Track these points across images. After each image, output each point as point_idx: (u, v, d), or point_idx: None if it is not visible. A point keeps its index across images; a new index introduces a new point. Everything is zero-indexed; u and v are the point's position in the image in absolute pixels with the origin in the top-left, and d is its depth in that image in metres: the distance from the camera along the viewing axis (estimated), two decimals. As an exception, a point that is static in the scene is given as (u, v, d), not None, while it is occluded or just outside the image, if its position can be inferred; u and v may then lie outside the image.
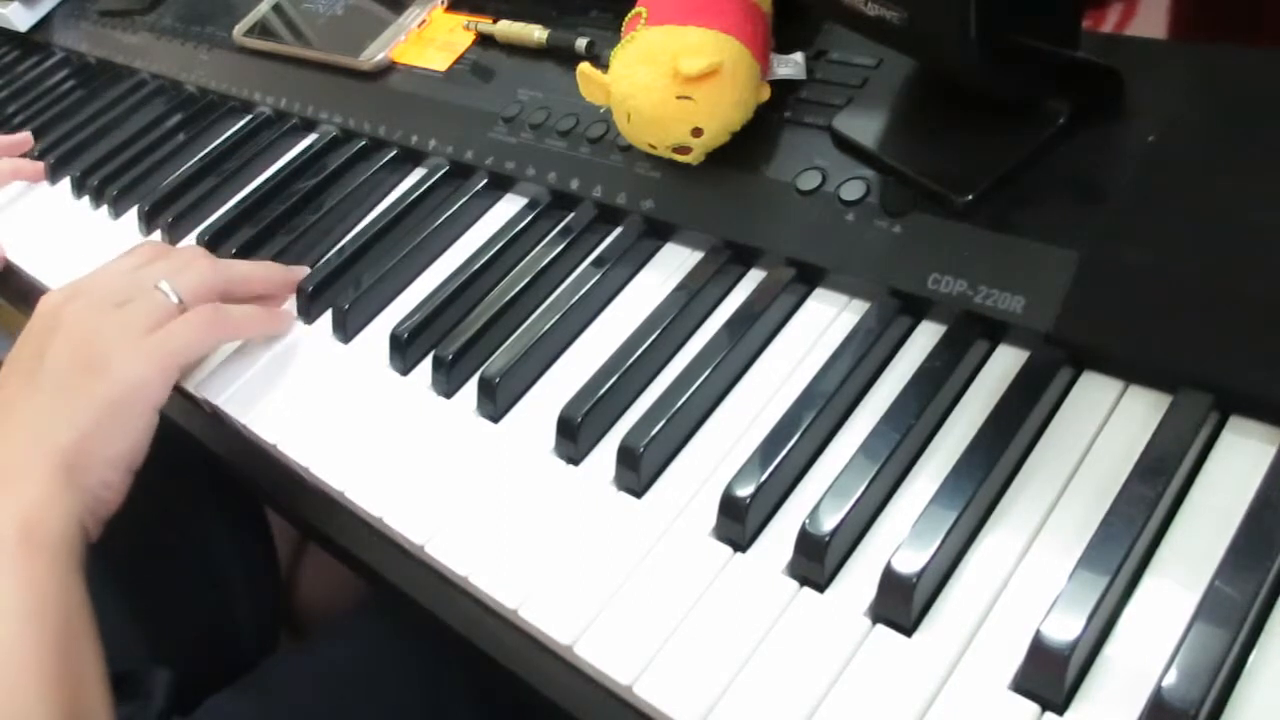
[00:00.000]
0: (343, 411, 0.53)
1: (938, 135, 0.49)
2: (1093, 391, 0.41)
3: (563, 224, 0.59)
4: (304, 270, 0.63)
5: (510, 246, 0.58)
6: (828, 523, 0.38)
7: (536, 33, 0.66)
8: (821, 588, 0.39)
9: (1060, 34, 0.45)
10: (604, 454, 0.46)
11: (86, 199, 0.82)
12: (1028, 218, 0.44)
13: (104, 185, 0.80)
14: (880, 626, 0.37)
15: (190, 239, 0.71)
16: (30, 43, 1.10)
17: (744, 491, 0.41)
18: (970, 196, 0.45)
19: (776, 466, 0.41)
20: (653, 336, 0.49)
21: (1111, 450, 0.39)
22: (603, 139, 0.59)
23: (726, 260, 0.52)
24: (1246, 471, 0.37)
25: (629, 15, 0.54)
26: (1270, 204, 0.40)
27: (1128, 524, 0.35)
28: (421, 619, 0.46)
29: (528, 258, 0.58)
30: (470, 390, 0.52)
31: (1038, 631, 0.33)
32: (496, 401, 0.50)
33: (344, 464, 0.50)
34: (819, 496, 0.40)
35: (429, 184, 0.65)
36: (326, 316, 0.60)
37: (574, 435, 0.46)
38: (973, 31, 0.41)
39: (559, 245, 0.57)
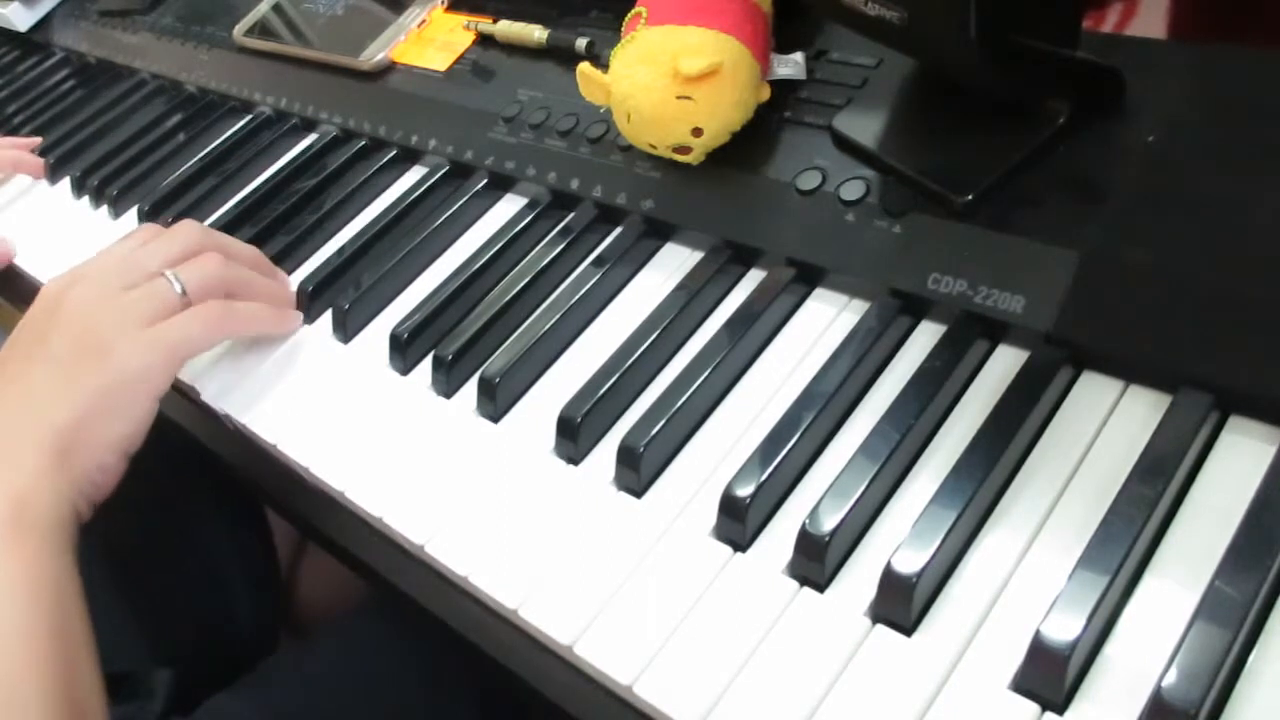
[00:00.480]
0: (342, 411, 0.53)
1: (938, 135, 0.49)
2: (1093, 391, 0.41)
3: (563, 224, 0.59)
4: (299, 318, 0.60)
5: (510, 246, 0.58)
6: (828, 523, 0.38)
7: (536, 33, 0.66)
8: (821, 588, 0.39)
9: (1060, 34, 0.45)
10: (604, 454, 0.46)
11: (86, 199, 0.82)
12: (1028, 218, 0.44)
13: (104, 185, 0.80)
14: (880, 626, 0.37)
15: (190, 239, 0.71)
16: (30, 43, 1.10)
17: (744, 491, 0.41)
18: (970, 196, 0.45)
19: (776, 466, 0.41)
20: (653, 336, 0.49)
21: (1111, 450, 0.39)
22: (603, 139, 0.59)
23: (726, 260, 0.52)
24: (1246, 471, 0.37)
25: (629, 15, 0.54)
26: (1270, 204, 0.40)
27: (1128, 524, 0.35)
28: (421, 619, 0.46)
29: (528, 258, 0.58)
30: (470, 390, 0.52)
31: (1038, 631, 0.33)
32: (496, 401, 0.50)
33: (344, 464, 0.50)
34: (819, 496, 0.40)
35: (429, 184, 0.65)
36: (326, 316, 0.60)
37: (574, 435, 0.46)
38: (973, 31, 0.41)
39: (559, 245, 0.57)
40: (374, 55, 0.73)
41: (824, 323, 0.48)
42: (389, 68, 0.73)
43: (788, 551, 0.40)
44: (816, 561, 0.38)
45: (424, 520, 0.46)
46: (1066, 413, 0.41)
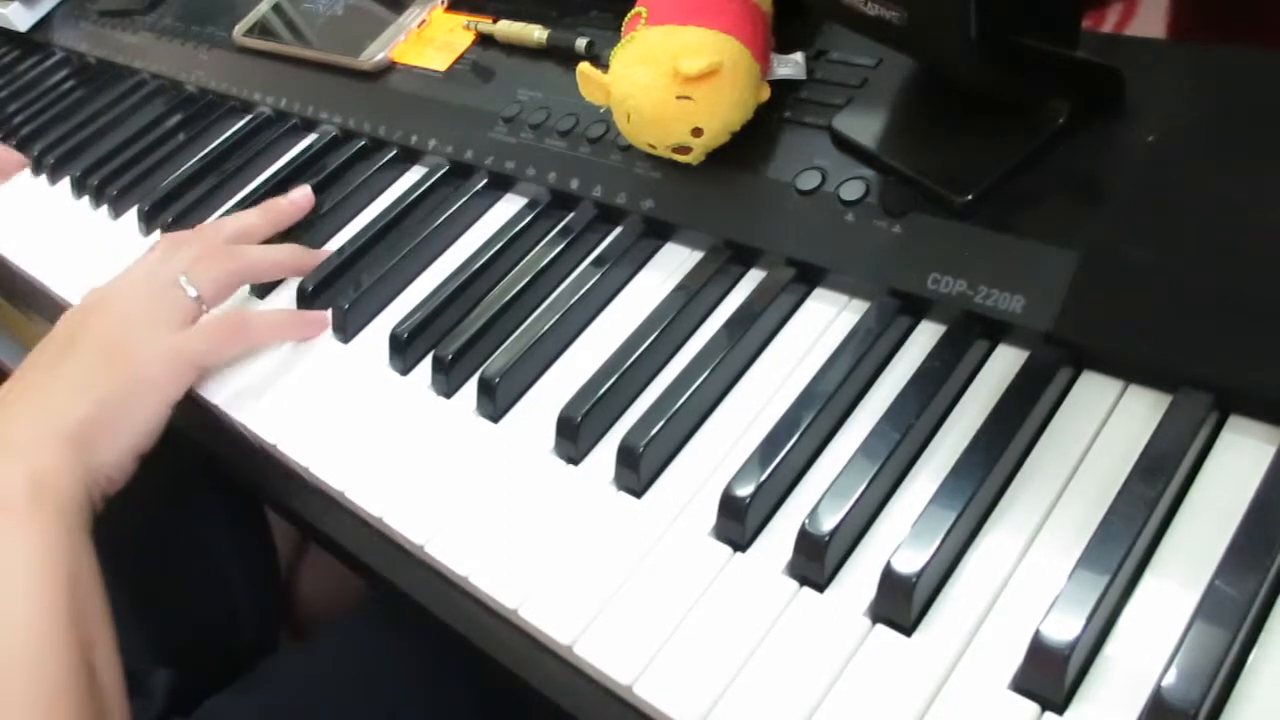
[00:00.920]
0: (342, 411, 0.53)
1: (937, 135, 0.49)
2: (1093, 391, 0.41)
3: (563, 224, 0.59)
4: (325, 252, 0.64)
5: (510, 246, 0.58)
6: (827, 522, 0.38)
7: (536, 33, 0.66)
8: (821, 588, 0.39)
9: (1060, 34, 0.45)
10: (604, 454, 0.46)
11: (86, 199, 0.82)
12: (1028, 218, 0.44)
13: (104, 185, 0.80)
14: (880, 626, 0.37)
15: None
16: (30, 43, 1.10)
17: (744, 491, 0.41)
18: (970, 196, 0.45)
19: (776, 466, 0.41)
20: (652, 336, 0.49)
21: (1111, 450, 0.39)
22: (603, 139, 0.59)
23: (726, 260, 0.52)
24: (1246, 471, 0.37)
25: (629, 15, 0.54)
26: (1270, 204, 0.40)
27: (1128, 523, 0.35)
28: (421, 619, 0.46)
29: (528, 258, 0.58)
30: (470, 390, 0.52)
31: (1037, 631, 0.33)
32: (496, 401, 0.50)
33: (344, 464, 0.50)
34: (819, 496, 0.40)
35: (429, 184, 0.65)
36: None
37: (574, 435, 0.46)
38: (973, 31, 0.41)
39: (559, 245, 0.57)
40: (374, 55, 0.73)
41: (824, 323, 0.48)
42: (389, 68, 0.73)
43: (787, 551, 0.40)
44: (816, 561, 0.38)
45: (424, 520, 0.46)
46: (1066, 412, 0.41)
